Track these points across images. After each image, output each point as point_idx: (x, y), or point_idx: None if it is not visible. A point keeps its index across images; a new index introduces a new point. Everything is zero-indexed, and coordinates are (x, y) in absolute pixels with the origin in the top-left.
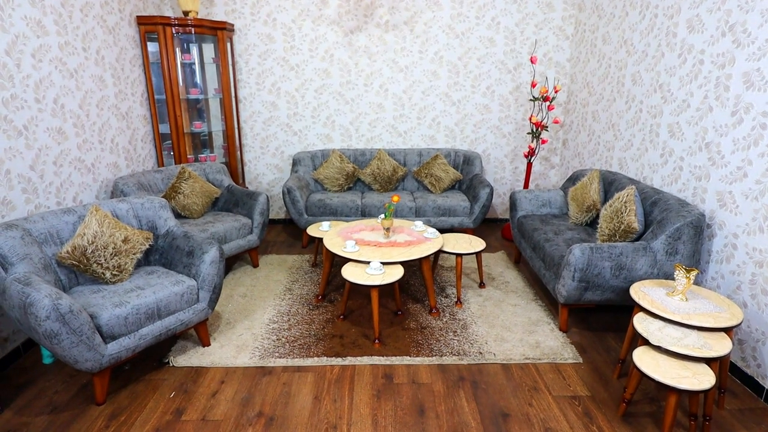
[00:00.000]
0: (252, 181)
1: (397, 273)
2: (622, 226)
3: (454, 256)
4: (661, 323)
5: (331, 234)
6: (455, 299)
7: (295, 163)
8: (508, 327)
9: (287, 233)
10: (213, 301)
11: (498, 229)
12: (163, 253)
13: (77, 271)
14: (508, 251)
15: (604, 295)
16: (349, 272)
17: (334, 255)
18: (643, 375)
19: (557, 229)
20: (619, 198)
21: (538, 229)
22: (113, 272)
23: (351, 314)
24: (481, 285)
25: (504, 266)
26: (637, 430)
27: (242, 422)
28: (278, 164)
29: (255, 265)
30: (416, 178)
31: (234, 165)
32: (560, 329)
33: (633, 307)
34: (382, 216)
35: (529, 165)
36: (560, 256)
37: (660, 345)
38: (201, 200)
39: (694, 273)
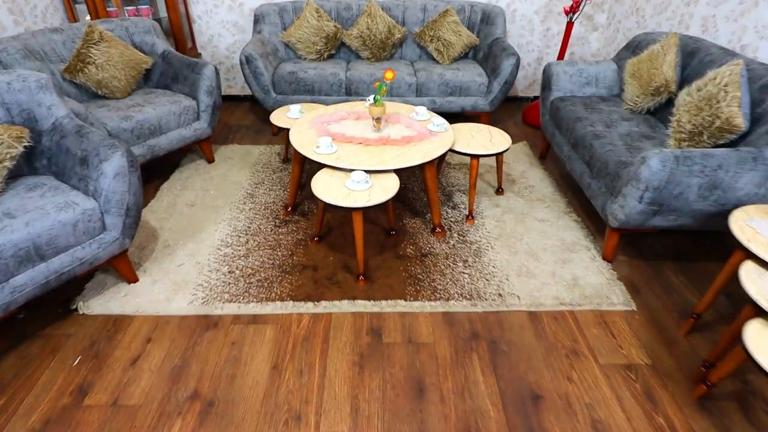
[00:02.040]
0: (206, 45)
1: (389, 187)
2: (718, 122)
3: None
4: None
5: (301, 124)
6: (466, 213)
7: (258, 20)
8: (534, 253)
9: (255, 115)
10: (129, 227)
11: (518, 110)
12: (51, 158)
13: None
14: (531, 142)
15: (678, 221)
16: (323, 186)
17: None
18: (759, 369)
19: (608, 118)
20: (715, 78)
21: (582, 118)
22: None
23: (329, 235)
24: (499, 191)
25: (527, 163)
26: (719, 426)
27: (168, 410)
28: (238, 22)
29: (209, 161)
30: (418, 43)
31: (176, 22)
32: (604, 258)
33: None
34: (371, 99)
35: (570, 26)
36: (618, 163)
37: None
38: (124, 73)
39: None
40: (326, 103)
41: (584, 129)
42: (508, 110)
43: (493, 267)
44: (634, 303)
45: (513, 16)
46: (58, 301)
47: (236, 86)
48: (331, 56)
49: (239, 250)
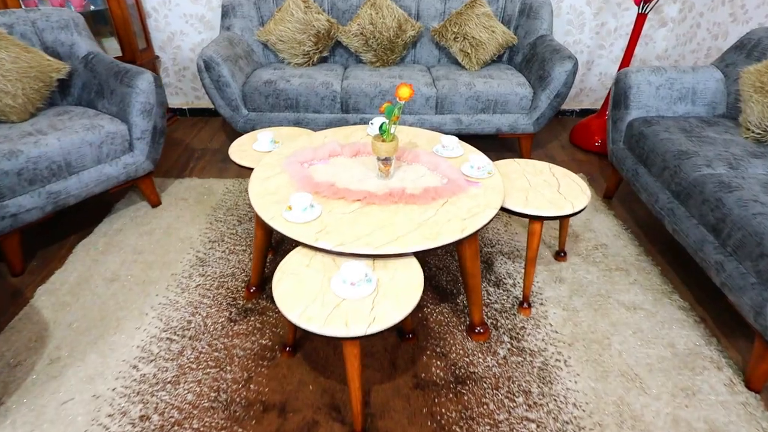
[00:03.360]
0: (165, 45)
1: (406, 287)
2: None
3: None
4: None
5: (269, 164)
6: (517, 295)
7: (227, 12)
8: (635, 376)
9: (227, 134)
10: None
11: (561, 128)
12: None
13: None
14: (588, 173)
15: None
16: (292, 286)
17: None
18: None
19: (728, 153)
20: None
21: (689, 152)
22: None
23: (307, 340)
24: (560, 255)
25: (590, 207)
26: None
27: None
28: (205, 16)
29: (153, 204)
30: (437, 42)
31: (121, 16)
32: (749, 387)
33: None
34: (375, 125)
35: (641, 19)
36: None
37: None
38: (21, 87)
39: None
40: (315, 124)
41: (698, 171)
42: (550, 128)
43: (575, 405)
44: None
45: (558, 8)
46: None
47: (205, 97)
48: (323, 60)
49: (166, 370)
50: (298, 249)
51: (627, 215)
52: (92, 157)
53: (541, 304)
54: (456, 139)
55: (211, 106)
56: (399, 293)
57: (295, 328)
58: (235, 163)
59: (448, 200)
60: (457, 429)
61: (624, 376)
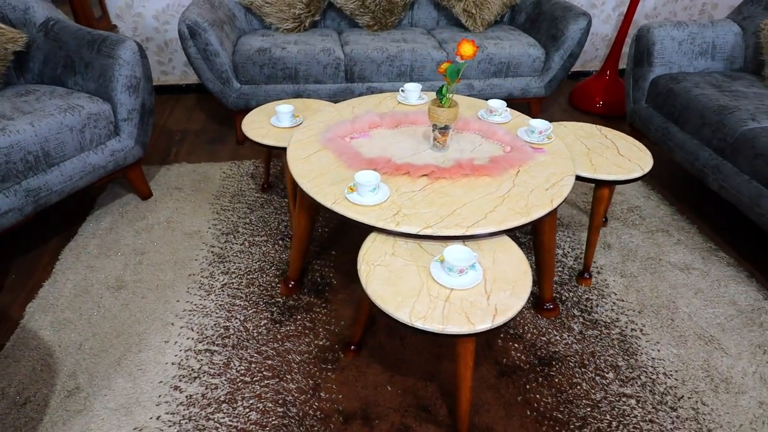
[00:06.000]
0: (123, 13)
1: (512, 269)
2: None
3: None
4: None
5: (302, 141)
6: (572, 265)
7: None
8: (711, 338)
9: (206, 112)
10: None
11: (558, 92)
12: None
13: None
14: None
15: None
16: (391, 283)
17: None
18: None
19: (765, 107)
20: None
21: (729, 107)
22: None
23: (372, 333)
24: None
25: None
26: None
27: None
28: None
29: (144, 196)
30: (437, 3)
31: None
32: None
33: None
34: (407, 93)
35: None
36: None
37: None
38: None
39: None
40: (318, 96)
41: (744, 125)
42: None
43: (666, 375)
44: None
45: None
46: None
47: (174, 72)
48: (314, 25)
49: (216, 387)
50: (373, 236)
51: (648, 175)
52: (74, 144)
53: (598, 272)
54: (504, 103)
55: (180, 83)
56: (509, 278)
57: (363, 328)
58: (254, 143)
59: (519, 170)
60: (559, 415)
61: (701, 339)
